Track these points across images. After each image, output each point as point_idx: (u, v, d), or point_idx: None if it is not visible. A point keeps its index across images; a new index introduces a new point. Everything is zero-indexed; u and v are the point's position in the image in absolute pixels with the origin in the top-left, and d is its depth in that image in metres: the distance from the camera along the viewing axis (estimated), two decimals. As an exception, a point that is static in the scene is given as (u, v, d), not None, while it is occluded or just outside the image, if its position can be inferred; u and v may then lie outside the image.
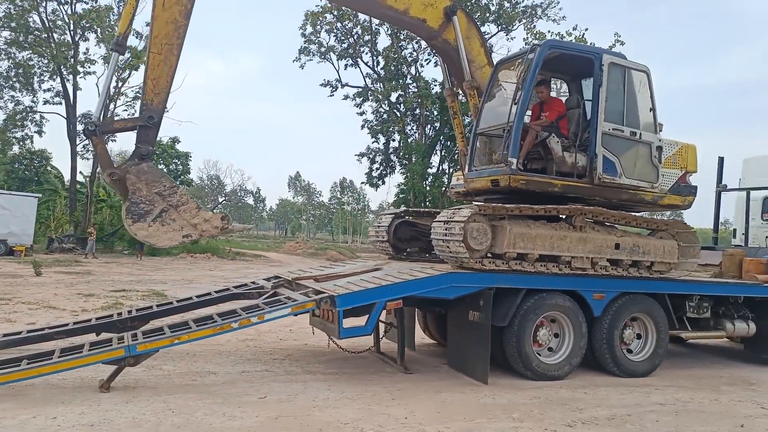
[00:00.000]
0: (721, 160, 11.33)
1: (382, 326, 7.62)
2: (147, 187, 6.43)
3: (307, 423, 4.83)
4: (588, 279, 7.08)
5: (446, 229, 6.61)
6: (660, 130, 7.78)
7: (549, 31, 29.71)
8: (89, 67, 33.43)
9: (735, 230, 11.28)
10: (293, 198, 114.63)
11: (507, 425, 5.07)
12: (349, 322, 6.10)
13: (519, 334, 6.65)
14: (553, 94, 8.27)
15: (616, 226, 7.78)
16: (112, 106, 33.39)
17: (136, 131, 6.66)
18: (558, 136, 7.50)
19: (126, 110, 34.38)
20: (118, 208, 35.06)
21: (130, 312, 7.39)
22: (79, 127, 33.59)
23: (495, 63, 8.39)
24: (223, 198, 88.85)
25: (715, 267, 9.71)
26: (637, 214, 8.14)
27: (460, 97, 9.59)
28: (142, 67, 32.93)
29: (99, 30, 32.75)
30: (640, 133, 7.50)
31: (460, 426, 4.97)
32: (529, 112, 7.64)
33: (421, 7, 8.07)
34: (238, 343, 8.10)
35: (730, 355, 9.37)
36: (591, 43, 26.24)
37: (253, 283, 8.03)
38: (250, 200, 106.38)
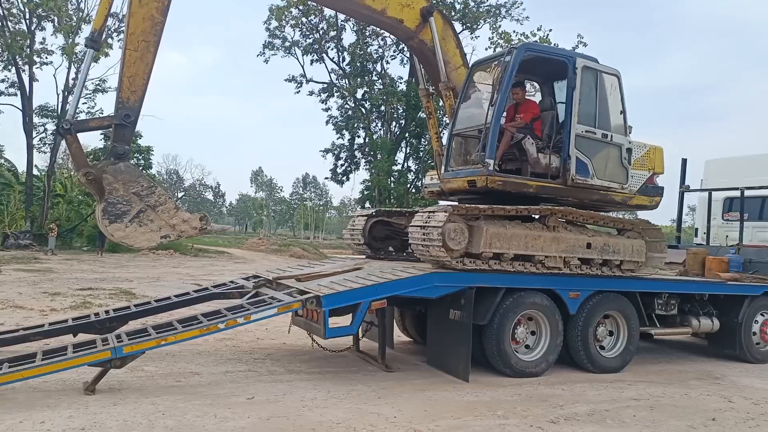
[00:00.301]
0: (684, 161, 11.79)
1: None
2: (124, 187, 6.33)
3: (300, 423, 4.87)
4: (565, 278, 7.29)
5: (424, 230, 6.67)
6: (629, 133, 8.04)
7: (514, 31, 30.21)
8: (46, 58, 32.33)
9: (697, 229, 11.77)
10: (255, 193, 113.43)
11: (493, 422, 5.21)
12: (332, 322, 6.14)
13: (498, 332, 6.81)
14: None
15: (587, 225, 8.02)
16: (69, 98, 32.40)
17: (111, 130, 6.55)
18: (532, 137, 7.67)
19: (86, 102, 33.41)
20: (76, 204, 34.22)
21: (107, 312, 7.26)
22: (36, 120, 32.54)
23: (470, 64, 8.52)
24: (182, 193, 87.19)
25: (679, 265, 10.12)
26: (605, 213, 8.38)
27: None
28: (102, 60, 32.00)
29: (56, 19, 31.68)
30: (611, 136, 7.73)
31: (448, 424, 5.08)
32: (503, 114, 7.80)
33: (399, 7, 8.13)
34: (216, 343, 8.05)
35: (693, 350, 9.78)
36: (555, 44, 26.78)
37: (232, 282, 8.00)
38: (210, 195, 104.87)
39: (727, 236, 10.97)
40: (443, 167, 8.19)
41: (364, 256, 8.96)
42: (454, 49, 8.80)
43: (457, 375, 6.68)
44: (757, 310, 9.00)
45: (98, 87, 33.08)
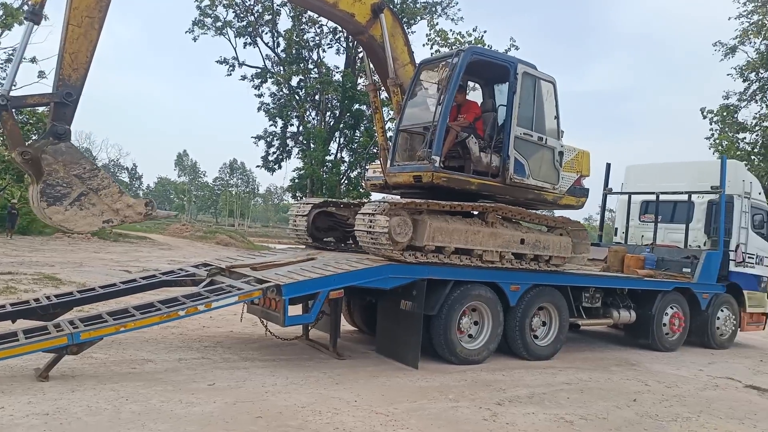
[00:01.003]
0: (608, 165, 12.66)
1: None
2: (65, 169, 6.15)
3: (266, 408, 5.03)
4: (508, 272, 7.77)
5: (371, 228, 6.89)
6: (561, 137, 8.61)
7: (451, 30, 30.80)
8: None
9: (617, 229, 12.67)
10: (177, 177, 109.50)
11: (447, 405, 5.58)
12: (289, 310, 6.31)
13: (446, 322, 7.19)
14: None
15: (521, 222, 8.53)
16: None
17: (50, 108, 6.34)
18: (475, 137, 8.07)
19: (-2, 74, 31.19)
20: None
21: (49, 298, 7.06)
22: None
23: (418, 63, 8.82)
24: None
25: (602, 262, 10.92)
26: (535, 211, 8.88)
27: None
28: (16, 27, 30.09)
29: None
30: (546, 139, 8.26)
31: (406, 407, 5.40)
32: (448, 113, 8.10)
33: (350, 1, 8.33)
34: (162, 331, 7.97)
35: (611, 339, 10.65)
36: (489, 46, 27.64)
37: (182, 270, 7.97)
38: (126, 177, 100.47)
39: (642, 236, 11.91)
40: (389, 161, 8.44)
41: (303, 246, 9.09)
42: (403, 46, 9.09)
43: (407, 362, 7.02)
44: (667, 303, 9.94)
45: (11, 56, 30.95)
